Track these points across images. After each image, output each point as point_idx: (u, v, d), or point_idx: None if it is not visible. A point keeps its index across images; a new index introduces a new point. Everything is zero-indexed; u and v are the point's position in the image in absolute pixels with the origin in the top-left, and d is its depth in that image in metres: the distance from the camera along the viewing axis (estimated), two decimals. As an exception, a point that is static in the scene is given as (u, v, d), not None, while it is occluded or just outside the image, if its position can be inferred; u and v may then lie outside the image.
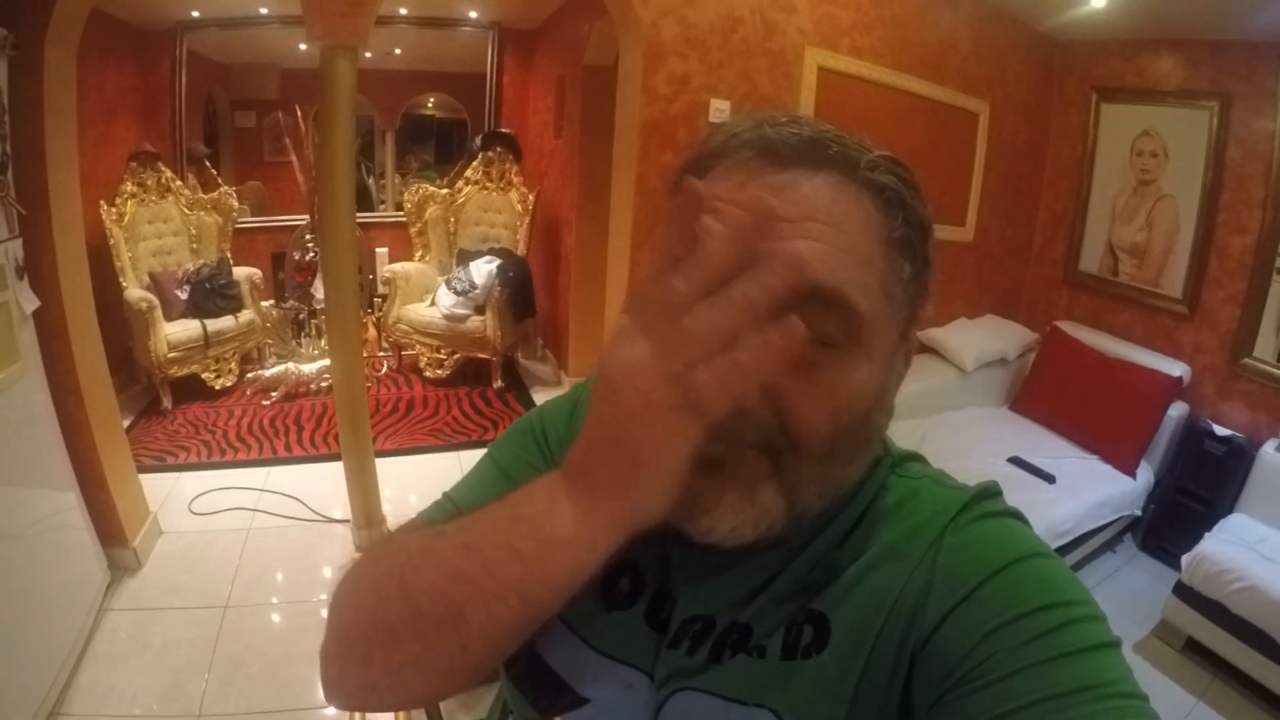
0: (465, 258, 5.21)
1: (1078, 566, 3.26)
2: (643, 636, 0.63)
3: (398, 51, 6.35)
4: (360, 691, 0.60)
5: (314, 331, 4.99)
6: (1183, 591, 2.79)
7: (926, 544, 0.57)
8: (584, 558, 0.48)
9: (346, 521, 3.22)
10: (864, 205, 0.53)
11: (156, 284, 4.55)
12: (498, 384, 4.99)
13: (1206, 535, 2.86)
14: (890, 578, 0.57)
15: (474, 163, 5.55)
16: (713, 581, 0.62)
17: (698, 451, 0.45)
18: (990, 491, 0.62)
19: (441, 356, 5.03)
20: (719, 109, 3.22)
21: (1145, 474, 3.43)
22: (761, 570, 0.61)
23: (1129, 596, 3.18)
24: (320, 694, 2.50)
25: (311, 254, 5.08)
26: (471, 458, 3.67)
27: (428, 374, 5.07)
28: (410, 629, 0.53)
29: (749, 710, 0.57)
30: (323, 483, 3.59)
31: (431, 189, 5.50)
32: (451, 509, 0.72)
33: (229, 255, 5.11)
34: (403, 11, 5.71)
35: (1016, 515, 0.61)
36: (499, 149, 5.52)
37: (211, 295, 4.69)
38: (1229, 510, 3.12)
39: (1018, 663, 0.48)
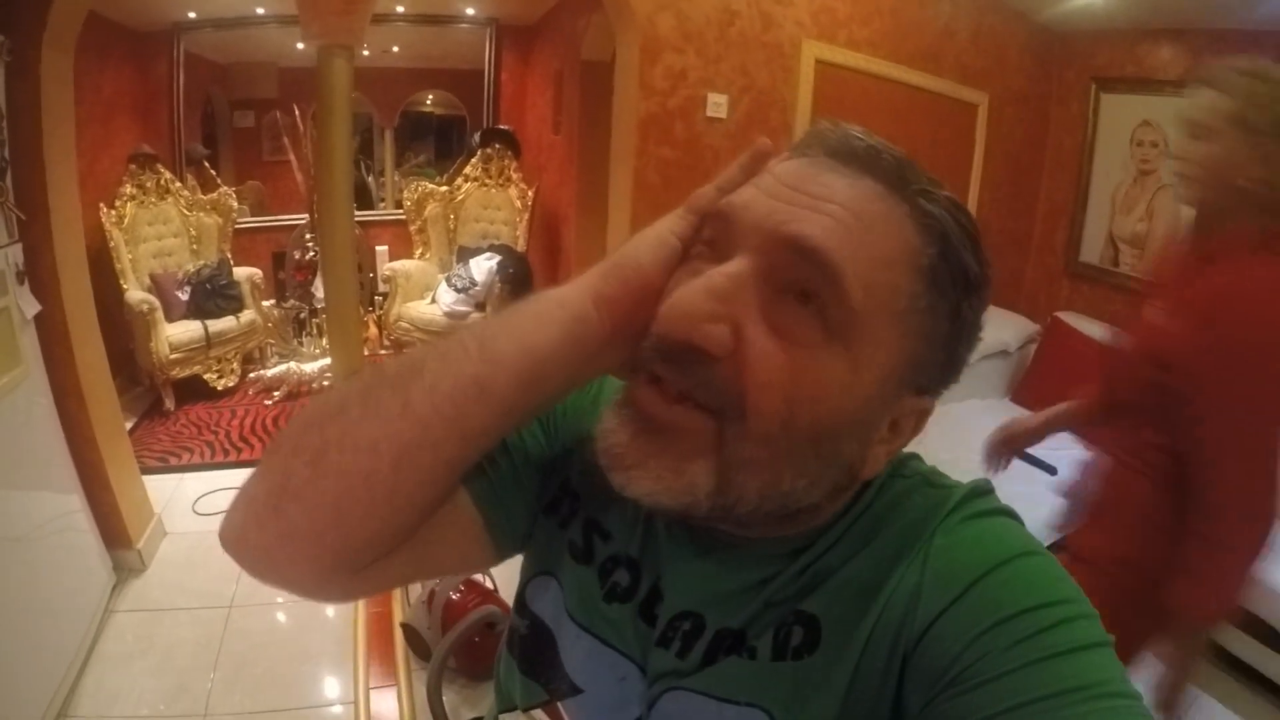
0: (465, 254, 5.21)
1: (1080, 558, 3.26)
2: (637, 630, 0.64)
3: (395, 49, 6.34)
4: (274, 542, 0.56)
5: (315, 330, 4.99)
6: (1185, 582, 2.78)
7: (917, 545, 0.57)
8: (549, 308, 0.56)
9: (349, 520, 3.22)
10: (900, 220, 0.53)
11: (157, 285, 4.56)
12: (499, 380, 4.98)
13: (1208, 525, 2.85)
14: (881, 579, 0.57)
15: (473, 159, 5.55)
16: (701, 575, 0.62)
17: (638, 407, 0.54)
18: (981, 490, 0.61)
19: (443, 354, 5.01)
20: (716, 103, 3.22)
21: (1147, 465, 3.42)
22: (754, 569, 0.61)
23: (1132, 587, 3.18)
24: (325, 693, 2.50)
25: (312, 253, 5.08)
26: (473, 456, 3.68)
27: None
28: (360, 398, 0.54)
29: (741, 710, 0.57)
30: (325, 482, 3.59)
31: (431, 186, 5.50)
32: None
33: (229, 256, 5.12)
34: (400, 9, 5.71)
35: (1007, 513, 0.60)
36: (498, 145, 5.53)
37: (212, 296, 4.70)
38: (1231, 500, 3.11)
39: (1008, 664, 0.48)
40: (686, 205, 0.59)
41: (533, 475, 0.71)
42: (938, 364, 0.57)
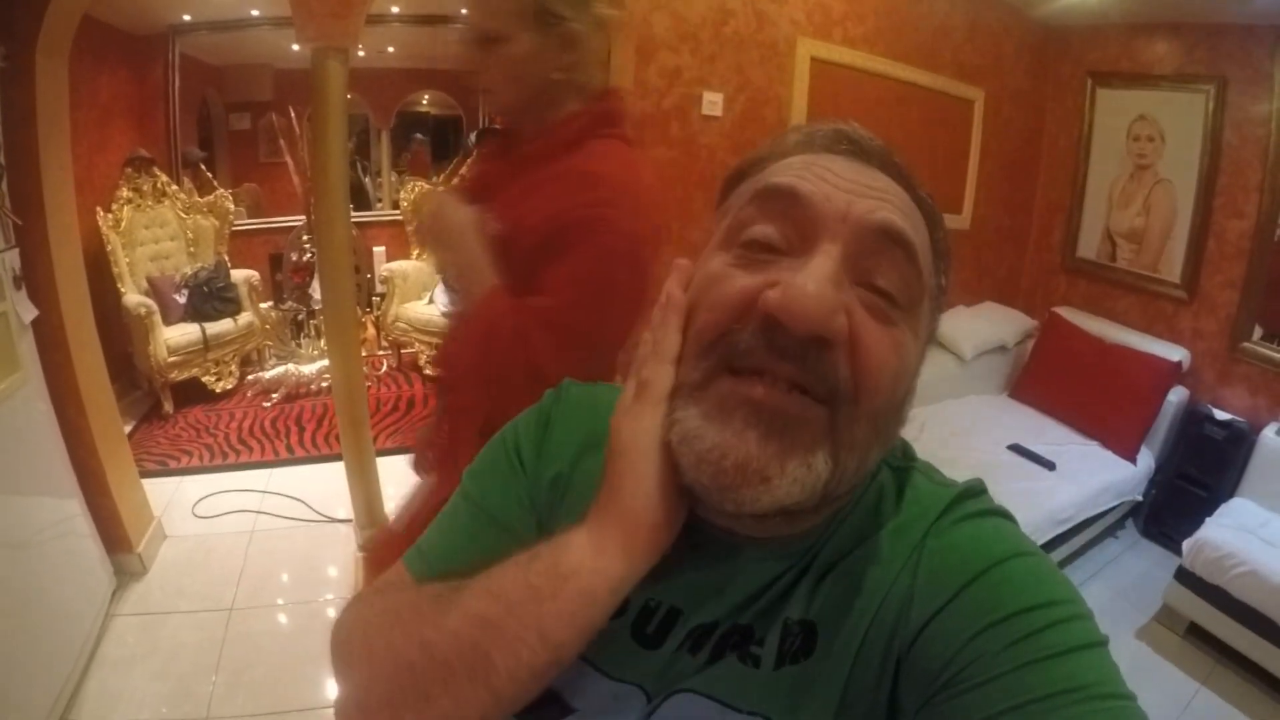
0: (463, 255, 5.19)
1: (1079, 553, 3.27)
2: (629, 650, 0.62)
3: (391, 50, 6.34)
4: None
5: (313, 332, 4.99)
6: (1184, 577, 2.79)
7: (909, 547, 0.57)
8: (592, 585, 0.53)
9: (349, 521, 3.23)
10: (916, 210, 0.58)
11: (155, 289, 4.56)
12: (498, 381, 4.97)
13: (1207, 520, 2.86)
14: (874, 581, 0.57)
15: (470, 159, 5.54)
16: (716, 588, 0.61)
17: (759, 405, 0.51)
18: (974, 490, 0.62)
19: (441, 354, 5.01)
20: (712, 102, 3.22)
21: (1146, 459, 3.43)
22: (764, 572, 0.60)
23: (1131, 582, 3.19)
24: (326, 694, 2.50)
25: (309, 255, 5.08)
26: (472, 456, 3.65)
27: (428, 372, 5.06)
28: (442, 685, 0.55)
29: (745, 718, 0.58)
30: (325, 483, 3.59)
31: (427, 187, 5.49)
32: (428, 567, 0.70)
33: (226, 258, 5.11)
34: (395, 10, 5.70)
35: (1000, 513, 0.60)
36: (494, 145, 5.51)
37: (210, 298, 4.69)
38: (1230, 495, 3.12)
39: (1001, 666, 0.48)
40: (654, 398, 0.57)
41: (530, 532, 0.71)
42: (934, 329, 0.61)
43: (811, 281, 0.50)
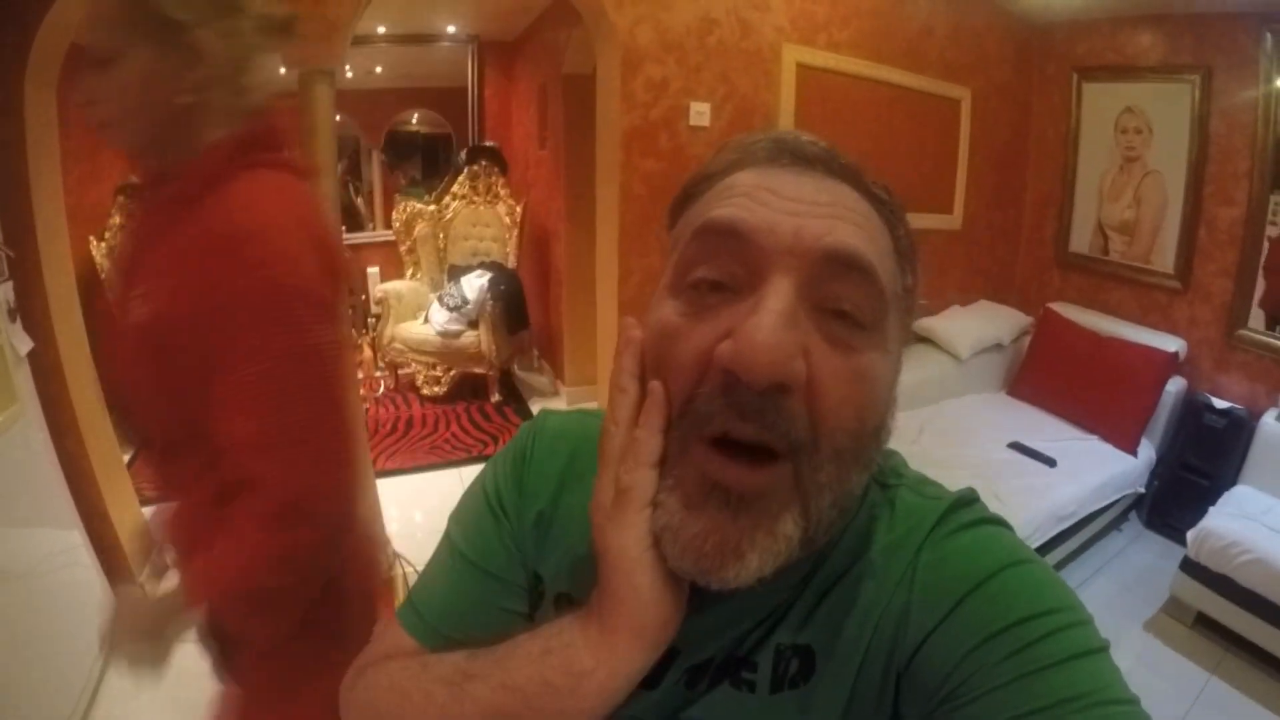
0: (456, 273, 5.21)
1: (1083, 548, 3.26)
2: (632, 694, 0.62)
3: (379, 70, 6.34)
4: None
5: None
6: (1190, 567, 2.79)
7: (904, 563, 0.57)
8: (608, 683, 0.54)
9: (352, 543, 3.21)
10: (875, 214, 0.55)
11: (150, 316, 4.54)
12: (495, 398, 4.99)
13: (1211, 509, 2.86)
14: (870, 601, 0.57)
15: (460, 177, 5.55)
16: (714, 627, 0.61)
17: (728, 490, 0.51)
18: (966, 500, 0.61)
19: (438, 374, 5.02)
20: (699, 112, 3.23)
21: (1146, 451, 3.43)
22: (763, 605, 0.60)
23: (1137, 574, 3.18)
24: (333, 719, 2.44)
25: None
26: (472, 473, 3.65)
27: (425, 392, 5.07)
28: None
29: None
30: (326, 506, 3.57)
31: (419, 206, 5.50)
32: (423, 625, 0.70)
33: (221, 284, 5.09)
34: (381, 30, 5.71)
35: (994, 521, 0.60)
36: (484, 162, 5.53)
37: (206, 324, 4.68)
38: (1232, 483, 3.12)
39: (1002, 677, 0.48)
40: (638, 505, 0.55)
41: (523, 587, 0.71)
42: (907, 333, 0.59)
43: (763, 329, 0.48)
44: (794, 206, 0.52)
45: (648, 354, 0.55)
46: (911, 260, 0.58)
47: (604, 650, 0.54)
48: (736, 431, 0.50)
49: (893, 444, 0.60)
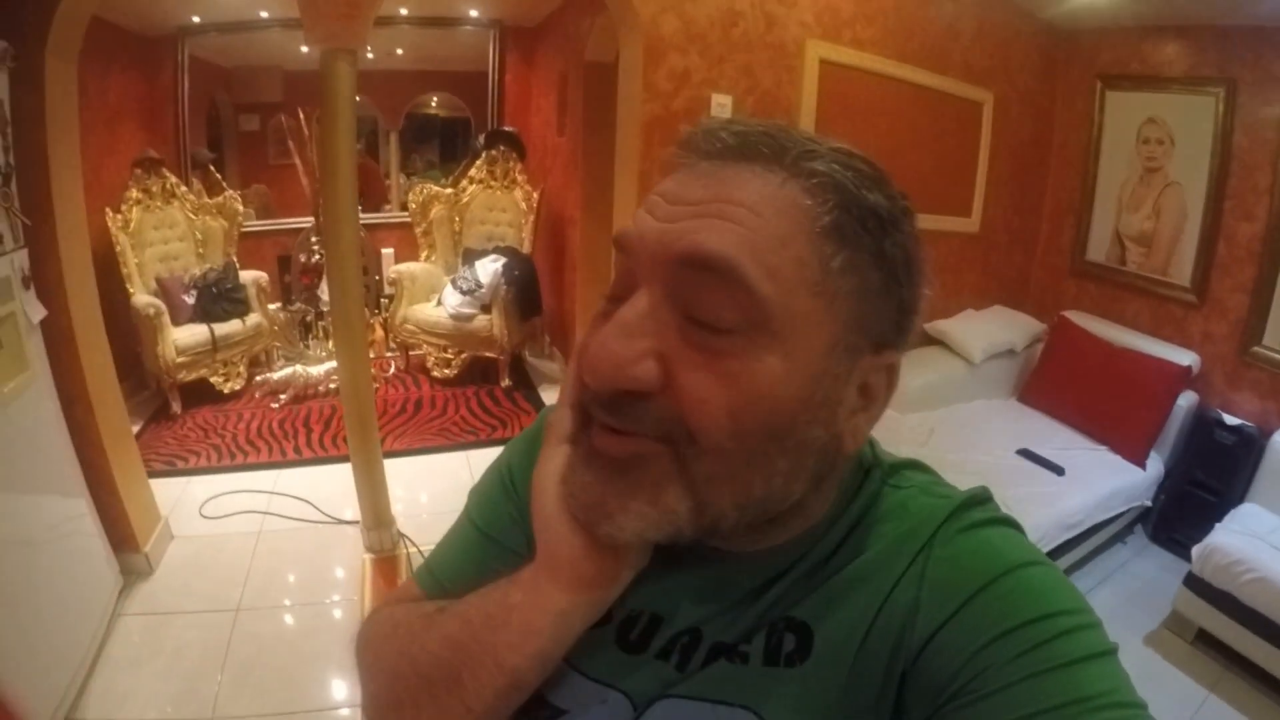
0: (471, 257, 5.22)
1: (1088, 558, 3.26)
2: (614, 656, 0.63)
3: (399, 51, 6.35)
4: None
5: (321, 334, 5.00)
6: (1193, 583, 2.78)
7: (912, 557, 0.57)
8: (533, 618, 0.58)
9: (357, 523, 3.23)
10: (788, 191, 0.50)
11: (163, 289, 4.57)
12: (505, 383, 5.00)
13: (1217, 526, 2.85)
14: (876, 591, 0.56)
15: (478, 161, 5.55)
16: (698, 596, 0.62)
17: (598, 453, 0.55)
18: (979, 499, 0.61)
19: (449, 356, 5.04)
20: (720, 104, 3.21)
21: (1155, 464, 3.42)
22: (749, 582, 0.60)
23: (1140, 588, 3.17)
24: (333, 694, 2.53)
25: (317, 256, 5.08)
26: (480, 457, 3.70)
27: (435, 374, 5.08)
28: (427, 694, 0.61)
29: (732, 710, 0.57)
30: (332, 484, 3.60)
31: (436, 189, 5.50)
32: (432, 581, 0.76)
33: (235, 259, 5.13)
34: (403, 11, 5.71)
35: (1006, 521, 0.60)
36: (503, 147, 5.53)
37: (218, 299, 4.71)
38: (1240, 500, 3.10)
39: (1009, 677, 0.48)
40: (555, 439, 0.61)
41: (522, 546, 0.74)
42: (885, 315, 0.54)
43: (603, 339, 0.51)
44: (672, 211, 0.52)
45: None
46: (857, 236, 0.51)
47: (529, 585, 0.59)
48: (605, 419, 0.54)
49: (902, 446, 0.59)
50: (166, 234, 4.83)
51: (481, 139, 5.74)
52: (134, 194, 4.63)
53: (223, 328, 4.64)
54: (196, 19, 5.32)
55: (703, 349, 0.50)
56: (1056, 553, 2.93)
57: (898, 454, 0.68)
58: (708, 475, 0.51)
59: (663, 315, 0.51)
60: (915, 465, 0.67)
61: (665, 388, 0.50)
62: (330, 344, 4.76)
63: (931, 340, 4.04)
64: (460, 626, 0.61)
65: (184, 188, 5.01)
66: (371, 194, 6.34)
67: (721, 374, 0.49)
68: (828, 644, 0.57)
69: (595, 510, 0.54)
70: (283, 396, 4.65)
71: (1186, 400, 3.49)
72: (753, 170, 0.51)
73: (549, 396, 4.87)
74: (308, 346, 5.02)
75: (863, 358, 0.53)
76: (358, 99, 2.73)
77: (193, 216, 4.99)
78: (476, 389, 4.97)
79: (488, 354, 4.98)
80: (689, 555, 0.62)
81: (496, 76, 6.12)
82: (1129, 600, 3.09)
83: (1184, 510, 3.37)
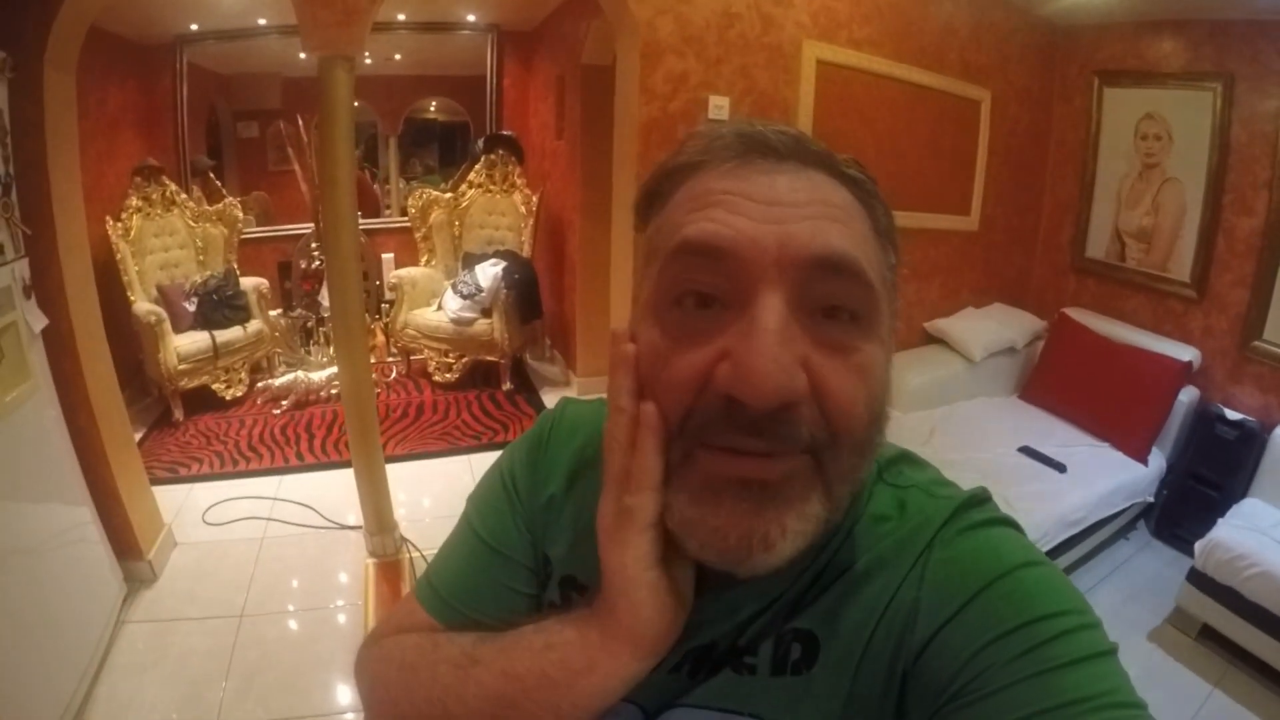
0: (470, 261, 5.22)
1: (1090, 555, 3.25)
2: None
3: (398, 57, 6.36)
4: None
5: (322, 339, 5.01)
6: (1197, 578, 2.77)
7: (913, 558, 0.57)
8: (602, 684, 0.57)
9: (359, 528, 3.24)
10: (849, 198, 0.54)
11: (164, 297, 4.58)
12: (507, 386, 5.00)
13: (1220, 521, 2.84)
14: (878, 595, 0.57)
15: (477, 165, 5.56)
16: (713, 610, 0.61)
17: (745, 482, 0.50)
18: (978, 499, 0.61)
19: (450, 360, 5.04)
20: (718, 106, 3.22)
21: (1157, 460, 3.41)
22: (762, 593, 0.60)
23: (1143, 584, 3.17)
24: (338, 700, 2.53)
25: (317, 262, 5.09)
26: (482, 460, 3.69)
27: (437, 378, 5.09)
28: None
29: (741, 719, 0.58)
30: (335, 490, 3.60)
31: (435, 193, 5.51)
32: (438, 600, 0.74)
33: (236, 266, 5.13)
34: (400, 17, 5.72)
35: (1006, 522, 0.60)
36: (501, 151, 5.53)
37: (219, 306, 4.71)
38: (1242, 495, 3.10)
39: (1010, 677, 0.48)
40: (640, 526, 0.55)
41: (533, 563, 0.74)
42: (895, 299, 0.57)
43: (761, 353, 0.47)
44: (773, 212, 0.51)
45: (642, 372, 0.54)
46: (891, 236, 0.57)
47: (600, 654, 0.57)
48: (744, 446, 0.49)
49: (903, 444, 0.60)
50: (167, 241, 4.83)
51: (480, 143, 5.75)
52: (134, 202, 4.64)
53: (224, 334, 4.65)
54: (195, 27, 5.33)
55: (834, 347, 0.50)
56: (1059, 550, 2.92)
57: (892, 447, 0.67)
58: (839, 473, 0.52)
59: (799, 319, 0.50)
60: (908, 458, 0.67)
61: (809, 397, 0.49)
62: (331, 349, 4.77)
63: (932, 339, 4.05)
64: (508, 684, 0.60)
65: (184, 195, 5.02)
66: (363, 206, 6.34)
67: (854, 369, 0.51)
68: (833, 650, 0.57)
69: (750, 542, 0.50)
70: (284, 402, 4.65)
71: (1188, 396, 3.49)
72: (819, 174, 0.54)
73: (550, 399, 4.87)
74: (309, 352, 5.02)
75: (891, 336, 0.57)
76: (356, 105, 2.74)
77: (193, 224, 4.99)
78: (478, 393, 4.97)
79: (488, 358, 4.98)
80: (706, 577, 0.61)
81: (494, 81, 6.13)
82: (1132, 597, 3.08)
83: (1186, 506, 3.37)
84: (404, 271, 5.28)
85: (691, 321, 0.52)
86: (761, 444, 0.49)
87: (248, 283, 5.00)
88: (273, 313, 5.18)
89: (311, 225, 5.19)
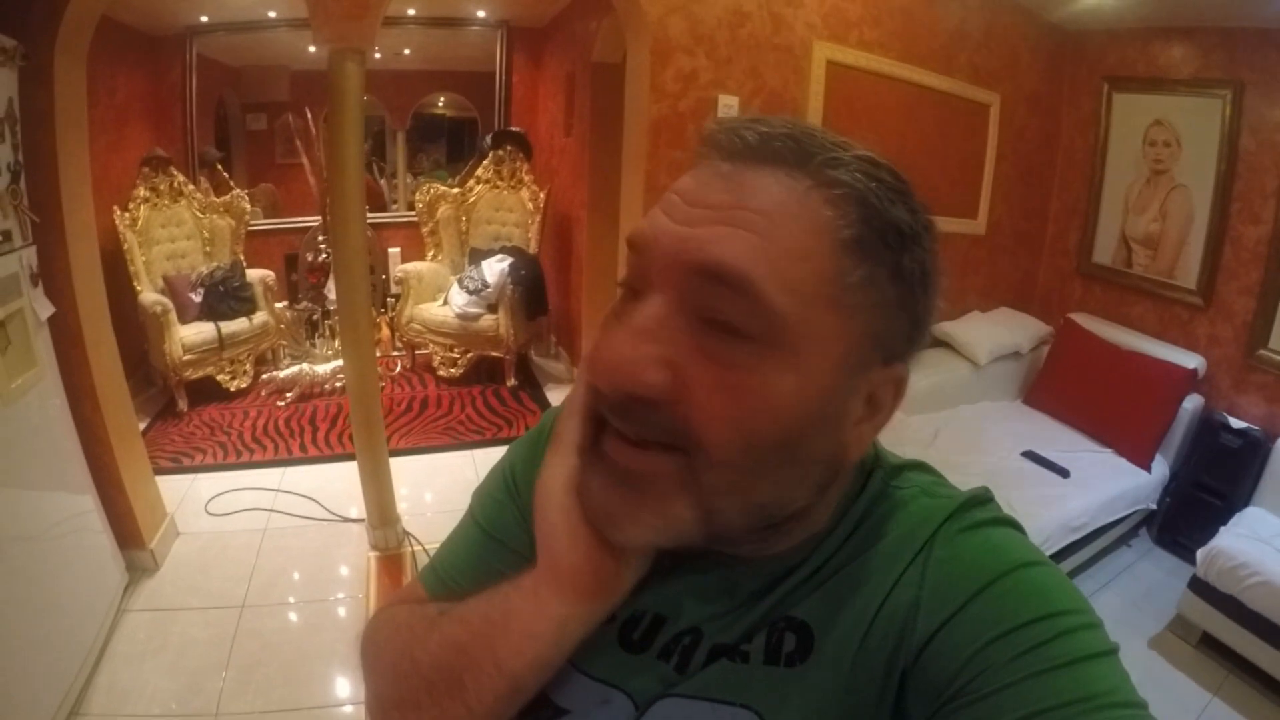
0: (477, 256, 5.23)
1: (1092, 561, 3.25)
2: (616, 656, 0.63)
3: (407, 51, 6.36)
4: None
5: (328, 332, 5.02)
6: (1198, 586, 2.77)
7: (912, 557, 0.57)
8: (532, 623, 0.58)
9: (362, 521, 3.24)
10: (810, 202, 0.49)
11: (171, 287, 4.59)
12: (511, 382, 5.01)
13: (1222, 529, 2.84)
14: (876, 591, 0.56)
15: (485, 161, 5.56)
16: (701, 598, 0.62)
17: (611, 464, 0.54)
18: (980, 499, 0.61)
19: (455, 355, 5.04)
20: (727, 105, 3.21)
21: (1160, 467, 3.41)
22: (752, 586, 0.61)
23: (1144, 591, 3.16)
24: (337, 692, 2.54)
25: (324, 255, 5.10)
26: (485, 456, 3.69)
27: (441, 373, 5.09)
28: (428, 696, 0.61)
29: (733, 710, 0.57)
30: (338, 482, 3.61)
31: (443, 188, 5.51)
32: (436, 581, 0.76)
33: (242, 258, 5.15)
34: (411, 12, 5.73)
35: (1007, 522, 0.59)
36: (509, 147, 5.53)
37: (225, 298, 4.72)
38: (1245, 504, 3.10)
39: (1010, 676, 0.48)
40: (562, 448, 0.61)
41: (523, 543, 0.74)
42: (898, 328, 0.53)
43: (611, 344, 0.51)
44: (692, 213, 0.51)
45: None
46: (877, 251, 0.50)
47: (530, 592, 0.59)
48: (616, 424, 0.53)
49: (907, 448, 0.59)
50: (174, 232, 4.85)
51: (488, 139, 5.75)
52: (142, 192, 4.65)
53: (229, 326, 4.66)
54: (205, 18, 5.34)
55: (715, 359, 0.49)
56: (1061, 555, 2.92)
57: (902, 455, 0.68)
58: (716, 485, 0.51)
59: (676, 322, 0.50)
60: (919, 466, 0.67)
61: (677, 397, 0.49)
62: (336, 342, 4.77)
63: (937, 342, 4.04)
64: (462, 629, 0.61)
65: (191, 186, 5.04)
66: (367, 201, 6.36)
67: (733, 387, 0.49)
68: (828, 644, 0.57)
69: (605, 519, 0.55)
70: (289, 394, 4.66)
71: (1192, 403, 3.48)
72: (775, 175, 0.50)
73: (555, 396, 4.88)
74: (314, 345, 5.03)
75: (872, 370, 0.53)
76: (365, 98, 2.74)
77: (200, 215, 5.01)
78: (482, 388, 4.98)
79: (494, 353, 4.99)
80: (693, 558, 0.62)
81: (504, 77, 6.13)
82: (1133, 603, 3.08)
83: (1189, 513, 3.36)
84: (410, 266, 5.30)
85: (621, 309, 0.55)
86: (626, 426, 0.52)
87: (254, 275, 5.01)
88: (278, 305, 5.19)
89: (319, 218, 5.20)
